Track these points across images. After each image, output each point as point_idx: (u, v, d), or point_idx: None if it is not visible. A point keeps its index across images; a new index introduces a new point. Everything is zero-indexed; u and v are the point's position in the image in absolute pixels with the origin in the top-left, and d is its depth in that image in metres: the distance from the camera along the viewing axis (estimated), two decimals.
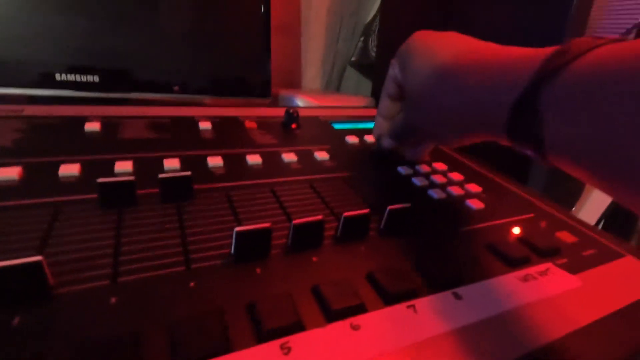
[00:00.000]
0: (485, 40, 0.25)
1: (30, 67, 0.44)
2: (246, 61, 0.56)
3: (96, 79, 0.48)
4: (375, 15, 0.78)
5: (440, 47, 0.26)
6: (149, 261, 0.18)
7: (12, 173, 0.23)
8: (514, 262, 0.23)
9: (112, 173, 0.25)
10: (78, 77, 0.47)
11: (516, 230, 0.27)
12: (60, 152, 0.27)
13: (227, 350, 0.14)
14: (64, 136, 0.30)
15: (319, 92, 0.79)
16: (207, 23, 0.52)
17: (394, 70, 0.31)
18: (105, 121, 0.33)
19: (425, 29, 0.30)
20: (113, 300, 0.16)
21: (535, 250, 0.24)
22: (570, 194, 0.55)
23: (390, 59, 0.32)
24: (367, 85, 0.86)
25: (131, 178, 0.22)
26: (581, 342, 0.18)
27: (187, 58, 0.52)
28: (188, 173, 0.23)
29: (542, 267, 0.23)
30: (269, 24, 0.56)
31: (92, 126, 0.31)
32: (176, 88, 0.51)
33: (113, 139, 0.30)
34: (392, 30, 0.65)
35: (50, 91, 0.45)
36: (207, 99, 0.54)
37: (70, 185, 0.23)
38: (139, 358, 0.13)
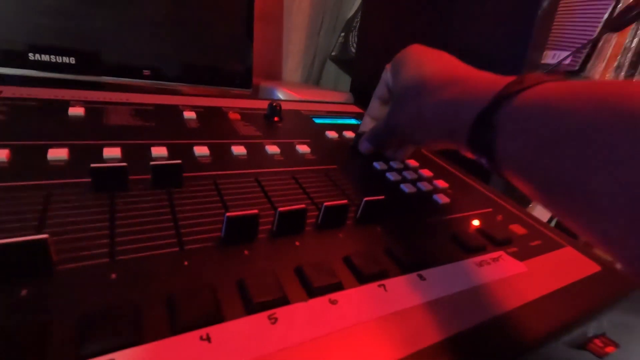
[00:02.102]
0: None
1: (1, 45, 0.42)
2: (227, 49, 0.55)
3: (72, 60, 0.47)
4: (356, 12, 0.80)
5: (429, 61, 0.30)
6: (145, 242, 0.19)
7: (0, 155, 0.23)
8: (471, 250, 0.26)
9: (100, 158, 0.26)
10: (53, 58, 0.46)
11: (475, 222, 0.30)
12: (47, 136, 0.27)
13: (221, 320, 0.16)
14: (49, 120, 0.30)
15: (300, 85, 0.80)
16: (188, 8, 0.51)
17: (386, 75, 0.35)
18: (89, 106, 0.33)
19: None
20: (113, 276, 0.17)
21: (491, 240, 0.27)
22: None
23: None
24: (345, 80, 0.88)
25: (124, 164, 0.23)
26: (524, 315, 0.21)
27: (167, 44, 0.51)
28: (179, 161, 0.24)
29: (495, 254, 0.26)
30: (252, 11, 0.55)
31: (76, 111, 0.32)
32: (147, 72, 0.50)
33: (99, 125, 0.31)
34: (372, 28, 0.67)
35: (23, 71, 0.44)
36: (187, 87, 0.53)
37: (59, 169, 0.24)
38: (140, 327, 0.15)
